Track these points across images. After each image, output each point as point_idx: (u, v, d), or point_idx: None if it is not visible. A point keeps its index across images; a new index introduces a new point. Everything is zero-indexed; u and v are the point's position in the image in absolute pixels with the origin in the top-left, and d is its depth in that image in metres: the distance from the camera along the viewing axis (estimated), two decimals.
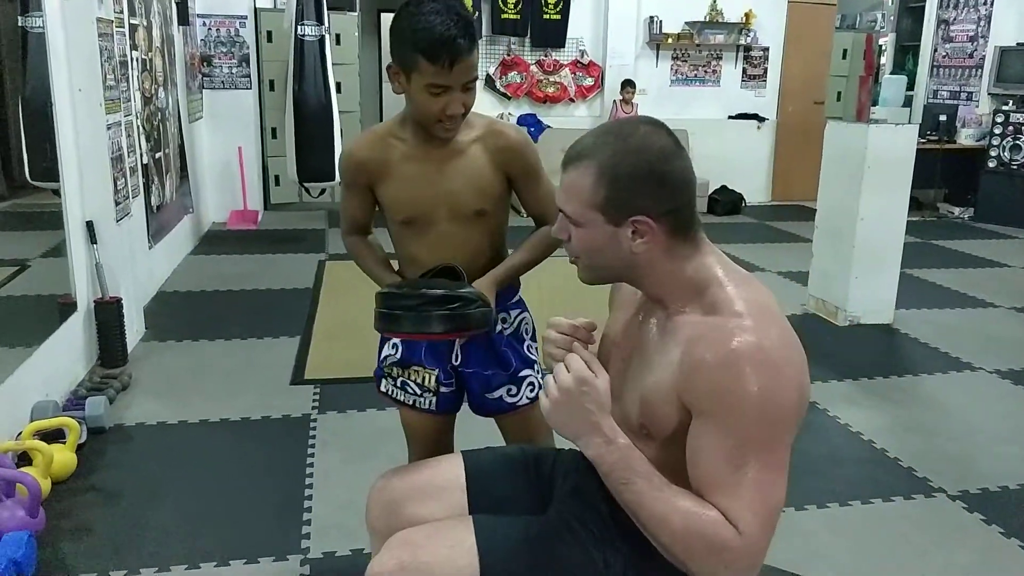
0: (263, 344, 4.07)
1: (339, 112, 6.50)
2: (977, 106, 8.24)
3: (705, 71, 8.54)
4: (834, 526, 2.55)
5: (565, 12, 7.98)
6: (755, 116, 8.64)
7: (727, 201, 8.09)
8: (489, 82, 7.93)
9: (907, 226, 4.46)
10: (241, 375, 3.65)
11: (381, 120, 10.93)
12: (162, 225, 5.05)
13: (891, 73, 9.76)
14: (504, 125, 1.80)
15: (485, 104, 7.83)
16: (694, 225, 1.25)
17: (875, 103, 9.23)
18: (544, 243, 1.82)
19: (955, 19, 8.45)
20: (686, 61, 8.45)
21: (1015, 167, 7.63)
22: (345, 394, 3.44)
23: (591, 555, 1.33)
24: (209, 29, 6.88)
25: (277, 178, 7.46)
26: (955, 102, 8.43)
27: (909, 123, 5.26)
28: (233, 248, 6.17)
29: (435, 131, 1.66)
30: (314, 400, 3.39)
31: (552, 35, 8.04)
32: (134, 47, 4.41)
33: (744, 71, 8.62)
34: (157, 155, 4.94)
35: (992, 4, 8.02)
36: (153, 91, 4.90)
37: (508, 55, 7.99)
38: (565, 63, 8.18)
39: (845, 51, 9.45)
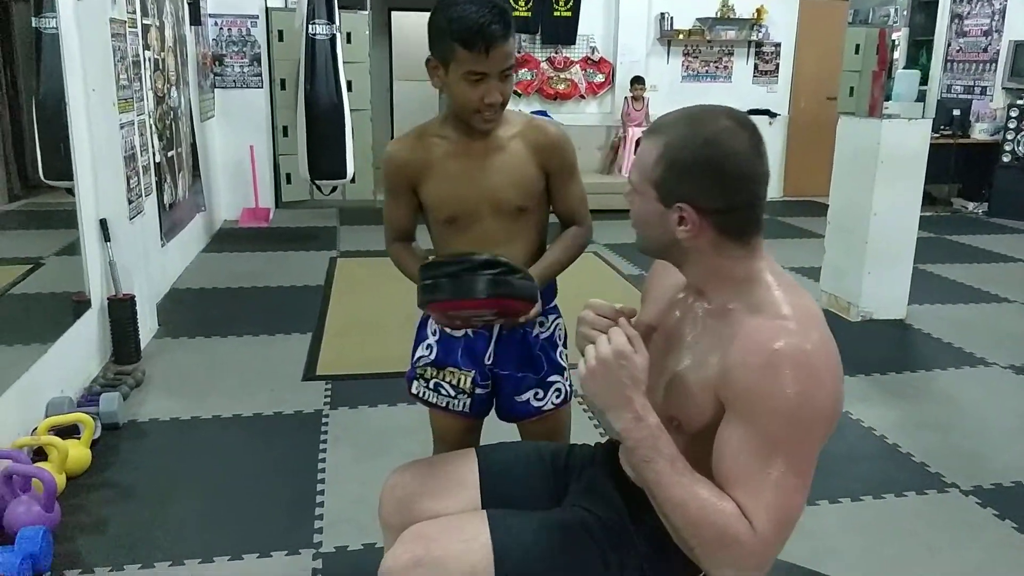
0: (275, 341, 4.09)
1: (350, 110, 6.51)
2: (991, 100, 8.17)
3: (716, 67, 8.51)
4: (847, 521, 2.54)
5: (576, 9, 7.97)
6: (767, 112, 8.60)
7: None
8: None
9: (920, 221, 4.44)
10: (253, 372, 3.67)
11: (392, 118, 10.97)
12: (175, 223, 5.08)
13: (904, 68, 9.69)
14: (544, 121, 1.81)
15: None
16: (751, 230, 1.22)
17: (888, 98, 9.17)
18: (578, 243, 1.82)
19: (969, 13, 8.39)
20: (697, 57, 8.42)
21: None
22: (357, 390, 3.46)
23: (606, 552, 1.33)
24: (221, 29, 6.91)
25: (288, 176, 7.49)
26: (969, 96, 8.36)
27: (922, 118, 5.23)
28: (245, 246, 6.21)
29: (474, 122, 1.67)
30: (326, 396, 3.41)
31: (563, 32, 8.04)
32: (147, 47, 4.44)
33: (756, 67, 8.58)
34: (169, 154, 4.97)
35: None
36: (166, 90, 4.93)
37: (519, 52, 7.99)
38: (576, 60, 8.17)
39: (858, 46, 9.39)
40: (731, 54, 8.48)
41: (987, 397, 3.55)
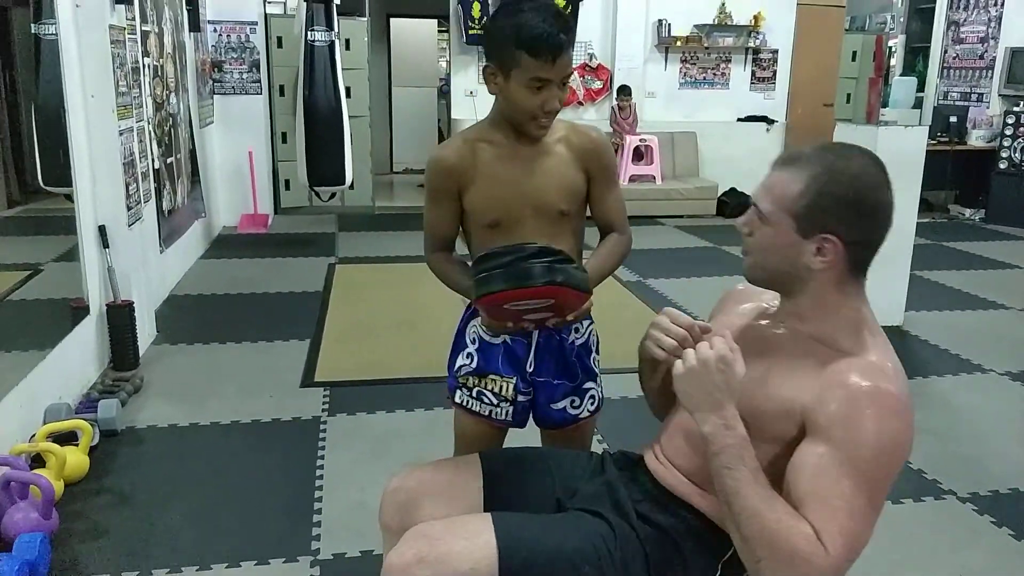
0: (274, 347, 4.10)
1: (349, 117, 6.52)
2: (988, 107, 8.20)
3: (714, 74, 8.53)
4: None
5: (574, 16, 7.98)
6: (764, 118, 8.62)
7: (736, 203, 8.05)
8: None
9: (917, 228, 4.46)
10: (252, 378, 3.67)
11: (391, 124, 11.00)
12: (173, 229, 5.08)
13: (901, 75, 9.74)
14: (585, 126, 1.83)
15: None
16: (867, 267, 1.29)
17: (885, 105, 9.22)
18: (619, 251, 1.83)
19: (965, 20, 8.42)
20: (695, 64, 8.44)
21: None
22: (355, 396, 3.46)
23: (611, 552, 1.34)
24: (220, 35, 6.93)
25: (287, 182, 7.50)
26: (965, 103, 8.39)
27: (919, 125, 5.25)
28: (244, 252, 6.21)
29: (530, 129, 1.68)
30: (324, 402, 3.41)
31: None
32: (146, 53, 4.45)
33: (753, 73, 8.60)
34: (168, 160, 4.98)
35: (1002, 5, 7.99)
36: (164, 97, 4.94)
37: None
38: (573, 67, 8.17)
39: (855, 53, 9.42)
40: (728, 61, 8.51)
41: (985, 404, 3.56)
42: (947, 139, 7.93)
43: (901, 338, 4.37)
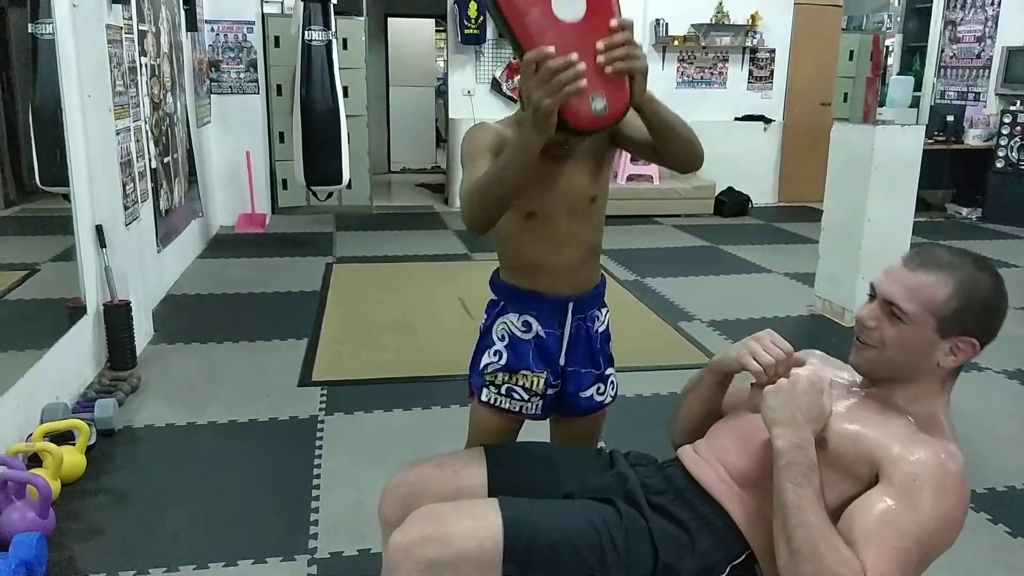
0: (271, 347, 4.10)
1: (346, 116, 6.52)
2: (985, 106, 8.21)
3: (711, 73, 8.54)
4: None
5: None
6: (762, 118, 8.63)
7: (734, 203, 8.09)
8: (496, 85, 7.95)
9: (914, 227, 4.46)
10: (249, 377, 3.67)
11: (388, 124, 11.00)
12: (171, 229, 5.08)
13: (898, 74, 9.72)
14: None
15: (492, 108, 7.86)
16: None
17: (882, 104, 9.19)
18: (686, 127, 1.69)
19: (962, 20, 8.43)
20: (692, 63, 8.45)
21: (1023, 167, 7.61)
22: (352, 396, 3.46)
23: (613, 537, 1.36)
24: (217, 35, 6.92)
25: (285, 182, 7.49)
26: (962, 103, 8.41)
27: (916, 124, 5.24)
28: (241, 251, 6.21)
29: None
30: (321, 402, 3.41)
31: None
32: (143, 53, 4.44)
33: (750, 73, 8.61)
34: (166, 160, 4.97)
35: (999, 4, 8.00)
36: (162, 96, 4.94)
37: (515, 58, 8.01)
38: None
39: (852, 52, 9.39)
40: (726, 60, 8.52)
41: (981, 402, 3.56)
42: (944, 138, 7.94)
43: None
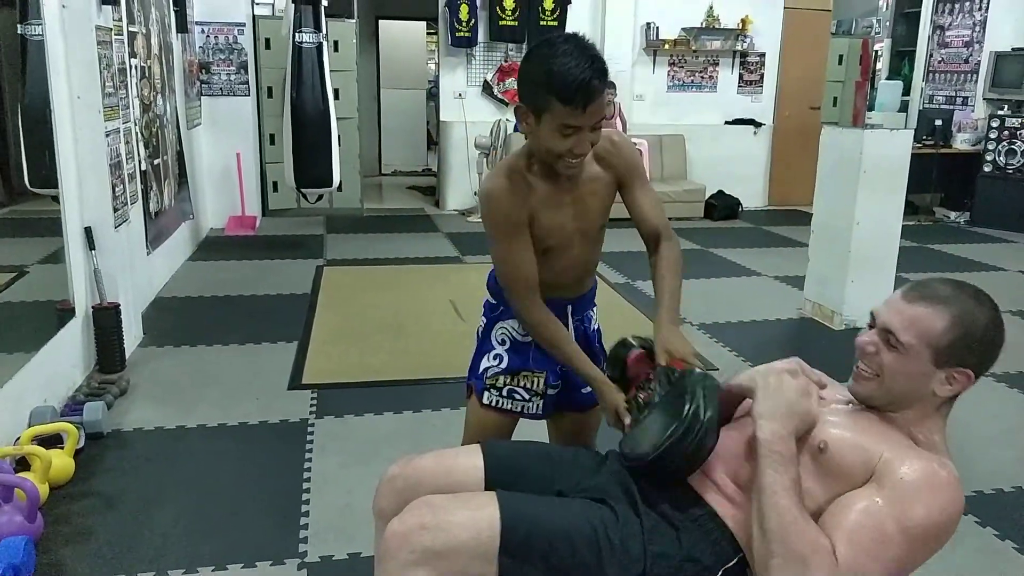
0: (261, 349, 4.08)
1: (337, 119, 6.51)
2: (973, 111, 8.27)
3: (702, 77, 8.56)
4: None
5: (562, 19, 8.00)
6: (752, 121, 8.66)
7: (724, 206, 8.11)
8: (487, 88, 7.95)
9: (903, 230, 4.48)
10: (239, 380, 3.66)
11: (379, 126, 10.99)
12: (160, 231, 5.06)
13: (887, 78, 9.80)
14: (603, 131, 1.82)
15: (483, 111, 7.86)
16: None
17: (871, 108, 9.27)
18: (680, 265, 1.83)
19: (950, 24, 8.49)
20: (683, 67, 8.47)
21: (1010, 171, 7.66)
22: (343, 399, 3.45)
23: (608, 534, 1.37)
24: (208, 36, 6.90)
25: (275, 184, 7.48)
26: (951, 107, 8.46)
27: (905, 128, 5.29)
28: (231, 254, 6.19)
29: (558, 167, 1.68)
30: (312, 405, 3.40)
31: None
32: (133, 55, 4.43)
33: (741, 77, 8.64)
34: (156, 162, 4.96)
35: (987, 9, 8.06)
36: (152, 98, 4.92)
37: (506, 61, 8.02)
38: None
39: (841, 56, 9.48)
40: (716, 64, 8.55)
41: (969, 404, 3.54)
42: (932, 142, 7.99)
43: None
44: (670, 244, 1.84)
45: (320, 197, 6.76)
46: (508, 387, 1.85)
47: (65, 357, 3.40)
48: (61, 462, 2.69)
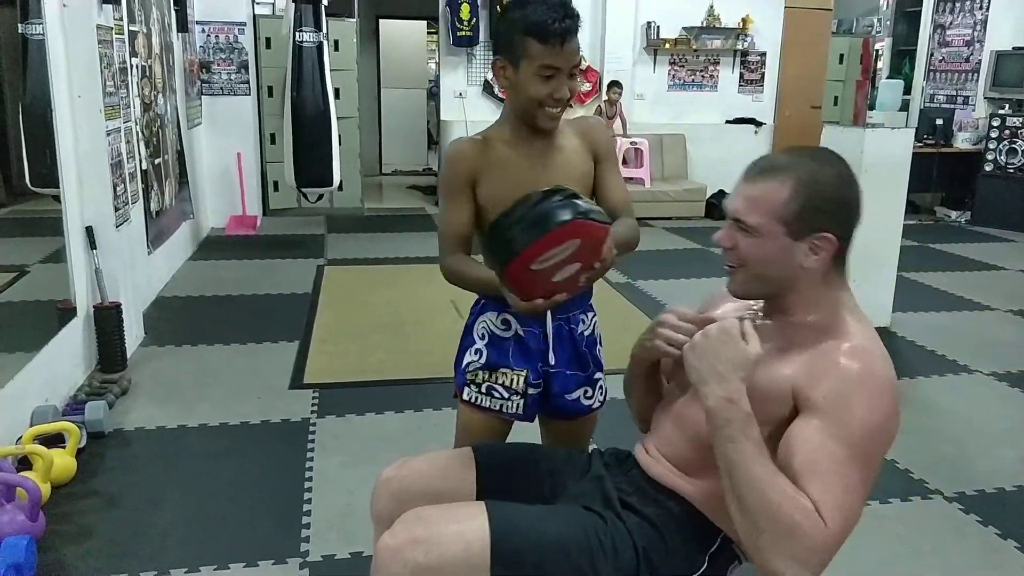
0: (262, 349, 4.08)
1: (337, 118, 6.51)
2: (973, 110, 8.27)
3: (703, 76, 8.56)
4: None
5: None
6: (752, 121, 8.66)
7: (725, 205, 8.09)
8: (488, 88, 7.95)
9: (904, 229, 4.48)
10: (240, 380, 3.66)
11: (379, 126, 10.99)
12: (161, 230, 5.06)
13: (888, 77, 9.80)
14: (578, 116, 1.88)
15: (484, 110, 7.86)
16: (846, 259, 1.36)
17: (872, 107, 9.27)
18: (632, 232, 1.80)
19: (951, 24, 8.49)
20: (684, 66, 8.47)
21: (1011, 171, 7.66)
22: (344, 398, 3.45)
23: (600, 538, 1.37)
24: (208, 36, 6.90)
25: (276, 183, 7.48)
26: (952, 106, 8.46)
27: (906, 127, 5.29)
28: (232, 253, 6.19)
29: (540, 119, 1.70)
30: (313, 404, 3.40)
31: None
32: (134, 54, 4.43)
33: (741, 76, 8.64)
34: (156, 161, 4.96)
35: (988, 8, 8.06)
36: (152, 97, 4.92)
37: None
38: None
39: (842, 56, 9.49)
40: (717, 63, 8.54)
41: (970, 404, 3.58)
42: (933, 141, 7.99)
43: (888, 339, 4.39)
44: (629, 219, 1.82)
45: (320, 196, 6.76)
46: (487, 383, 1.80)
47: (66, 357, 3.40)
48: (63, 461, 2.69)
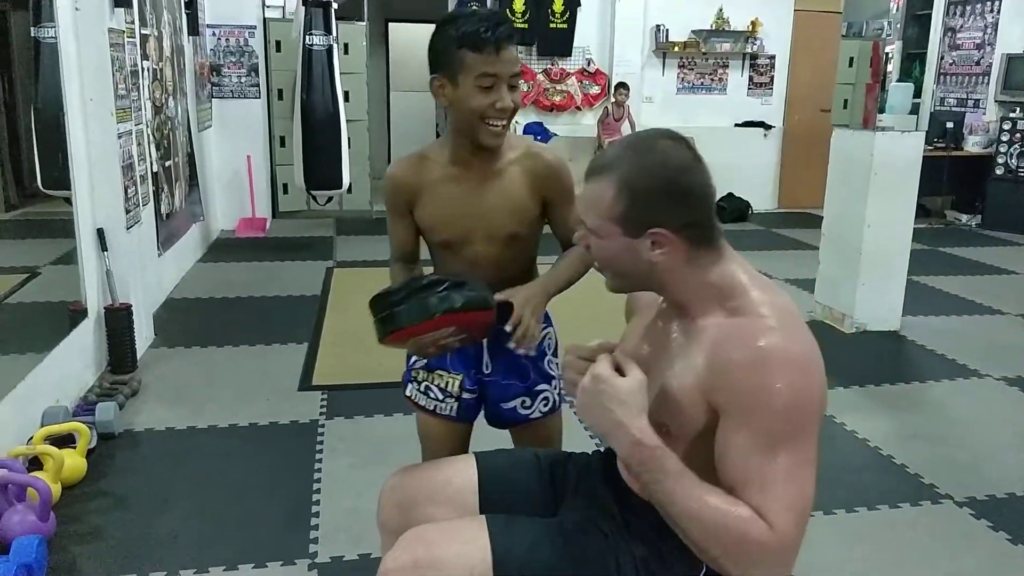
0: (271, 350, 4.10)
1: (347, 121, 6.53)
2: (984, 113, 8.23)
3: (711, 79, 8.55)
4: (841, 533, 2.55)
5: (572, 21, 8.01)
6: (761, 124, 8.64)
7: (734, 209, 8.09)
8: None
9: (914, 233, 4.46)
10: (249, 381, 3.67)
11: (389, 129, 11.02)
12: (171, 232, 5.09)
13: (898, 81, 9.75)
14: (542, 148, 1.83)
15: None
16: (715, 234, 1.27)
17: (882, 110, 9.23)
18: (584, 261, 1.80)
19: (962, 27, 8.45)
20: (692, 69, 8.47)
21: (1022, 174, 7.62)
22: (353, 400, 3.46)
23: (603, 554, 1.35)
24: (219, 39, 6.93)
25: (285, 186, 7.50)
26: (962, 109, 8.42)
27: (916, 130, 5.27)
28: (242, 255, 6.21)
29: (482, 135, 1.66)
30: (322, 406, 3.41)
31: (559, 44, 8.07)
32: (145, 57, 4.45)
33: (750, 79, 8.63)
34: (167, 163, 4.98)
35: (999, 12, 8.02)
36: (163, 100, 4.95)
37: None
38: (572, 71, 8.20)
39: (852, 59, 9.45)
40: (726, 66, 8.53)
41: (980, 409, 3.57)
42: (944, 145, 7.95)
43: (898, 343, 4.38)
44: (579, 247, 1.81)
45: (330, 199, 6.79)
46: (424, 383, 1.86)
47: (77, 358, 3.42)
48: (73, 462, 2.70)
